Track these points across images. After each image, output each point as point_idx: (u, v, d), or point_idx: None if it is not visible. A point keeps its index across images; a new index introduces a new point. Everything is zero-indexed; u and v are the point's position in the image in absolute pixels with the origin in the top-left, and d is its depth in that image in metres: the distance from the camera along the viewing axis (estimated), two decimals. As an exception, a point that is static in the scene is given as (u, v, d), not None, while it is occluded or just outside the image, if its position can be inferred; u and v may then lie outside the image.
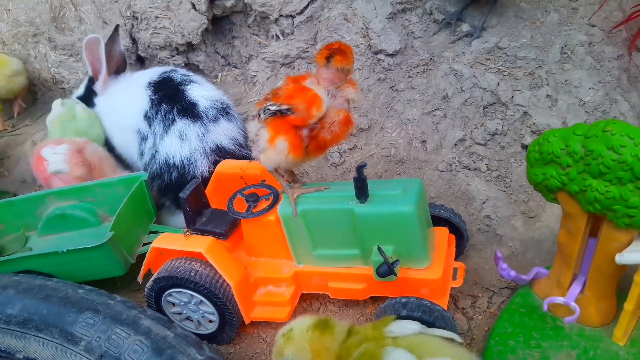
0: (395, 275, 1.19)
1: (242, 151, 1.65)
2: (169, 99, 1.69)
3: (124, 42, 2.30)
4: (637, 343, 1.16)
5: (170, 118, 1.64)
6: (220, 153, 1.62)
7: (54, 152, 1.72)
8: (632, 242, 1.07)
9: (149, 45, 2.27)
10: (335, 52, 1.13)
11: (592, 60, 1.72)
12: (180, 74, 1.80)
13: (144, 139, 1.70)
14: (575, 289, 1.21)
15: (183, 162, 1.61)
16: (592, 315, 1.20)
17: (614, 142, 0.99)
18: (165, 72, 1.81)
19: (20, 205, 1.71)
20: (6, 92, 2.27)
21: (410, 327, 1.05)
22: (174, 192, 1.59)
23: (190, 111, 1.65)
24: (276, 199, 1.36)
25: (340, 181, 1.78)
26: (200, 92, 1.71)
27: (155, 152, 1.65)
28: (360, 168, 1.18)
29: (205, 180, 1.54)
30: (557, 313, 1.25)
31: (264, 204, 1.37)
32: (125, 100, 1.80)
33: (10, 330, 1.23)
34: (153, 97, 1.72)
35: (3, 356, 1.25)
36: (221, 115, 1.68)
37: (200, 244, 1.29)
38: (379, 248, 1.20)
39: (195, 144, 1.61)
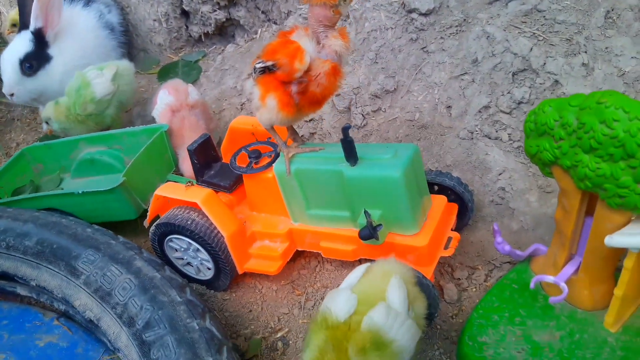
0: (377, 239, 1.18)
1: None
2: None
3: (168, -6, 2.37)
4: (630, 330, 1.09)
5: None
6: None
7: (161, 98, 1.81)
8: (629, 224, 1.00)
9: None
10: None
11: (640, 26, 1.57)
12: None
13: (112, 29, 2.28)
14: (569, 269, 1.14)
15: None
16: (584, 298, 1.14)
17: (607, 115, 0.91)
18: None
19: (56, 148, 1.84)
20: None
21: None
22: None
23: None
24: (277, 157, 1.37)
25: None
26: None
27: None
28: (345, 129, 1.16)
29: None
30: (551, 293, 1.19)
31: (265, 161, 1.39)
32: (90, 27, 2.18)
33: (27, 260, 1.35)
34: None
35: (20, 282, 1.38)
36: None
37: (197, 194, 1.34)
38: (365, 211, 1.19)
39: None
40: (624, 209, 0.96)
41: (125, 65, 1.98)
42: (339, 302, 0.95)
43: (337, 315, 0.93)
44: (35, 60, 1.97)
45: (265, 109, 1.21)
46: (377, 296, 0.97)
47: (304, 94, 1.16)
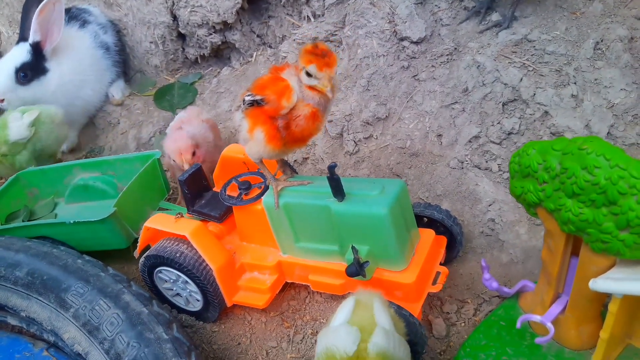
0: (364, 276, 1.18)
1: None
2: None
3: (164, 18, 2.39)
4: (617, 372, 1.09)
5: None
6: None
7: (175, 119, 1.84)
8: (613, 267, 1.00)
9: (187, 23, 2.33)
10: (310, 51, 1.10)
11: (629, 58, 1.57)
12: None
13: (108, 48, 2.34)
14: (556, 308, 1.14)
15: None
16: (571, 338, 1.14)
17: (588, 161, 0.92)
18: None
19: (51, 173, 1.85)
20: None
21: None
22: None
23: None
24: (266, 189, 1.38)
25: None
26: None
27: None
28: (331, 168, 1.16)
29: None
30: (538, 331, 1.19)
31: (255, 192, 1.40)
32: (86, 46, 2.24)
33: (17, 291, 1.36)
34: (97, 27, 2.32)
35: (11, 313, 1.39)
36: None
37: (186, 227, 1.34)
38: (352, 247, 1.20)
39: None
40: (607, 253, 0.97)
41: (50, 112, 1.92)
42: (342, 337, 0.97)
43: (346, 349, 0.95)
44: (31, 70, 2.03)
45: (253, 141, 1.22)
46: (364, 322, 1.00)
47: (288, 130, 1.17)
